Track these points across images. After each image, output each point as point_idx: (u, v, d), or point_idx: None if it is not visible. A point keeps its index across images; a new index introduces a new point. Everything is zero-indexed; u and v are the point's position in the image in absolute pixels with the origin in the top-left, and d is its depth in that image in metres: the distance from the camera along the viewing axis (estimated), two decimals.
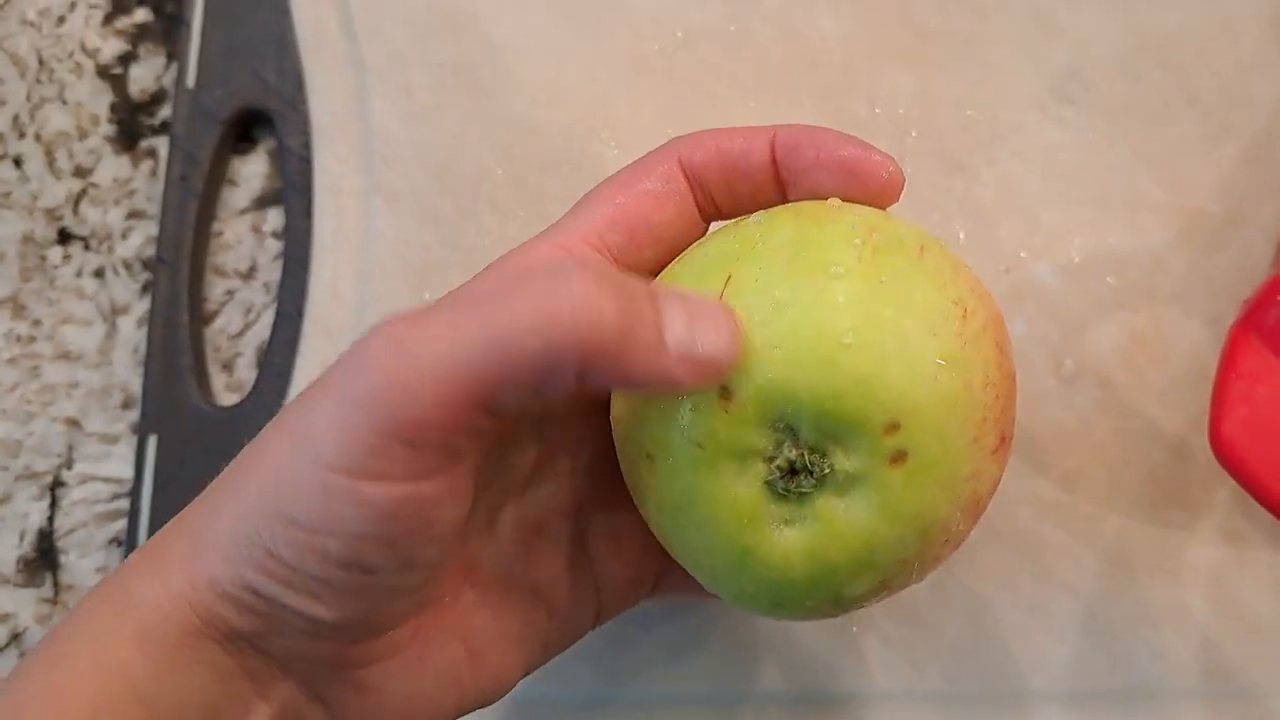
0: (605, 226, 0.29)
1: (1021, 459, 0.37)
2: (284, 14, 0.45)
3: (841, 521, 0.25)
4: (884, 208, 0.29)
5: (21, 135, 0.47)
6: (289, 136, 0.44)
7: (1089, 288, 0.38)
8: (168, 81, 0.47)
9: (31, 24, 0.48)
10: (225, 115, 0.44)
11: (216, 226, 0.45)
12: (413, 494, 0.24)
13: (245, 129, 0.45)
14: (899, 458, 0.25)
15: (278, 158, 0.44)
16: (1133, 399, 0.37)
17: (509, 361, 0.23)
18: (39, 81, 0.47)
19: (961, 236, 0.39)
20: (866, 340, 0.24)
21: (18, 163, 0.46)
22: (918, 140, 0.40)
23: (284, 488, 0.24)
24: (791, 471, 0.25)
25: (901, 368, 0.24)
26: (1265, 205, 0.38)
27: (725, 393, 0.25)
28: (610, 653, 0.38)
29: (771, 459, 0.25)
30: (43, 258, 0.45)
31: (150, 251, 0.45)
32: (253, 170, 0.45)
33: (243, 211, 0.45)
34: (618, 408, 0.28)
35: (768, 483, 0.25)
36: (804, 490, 0.25)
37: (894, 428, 0.24)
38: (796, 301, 0.25)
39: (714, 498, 0.25)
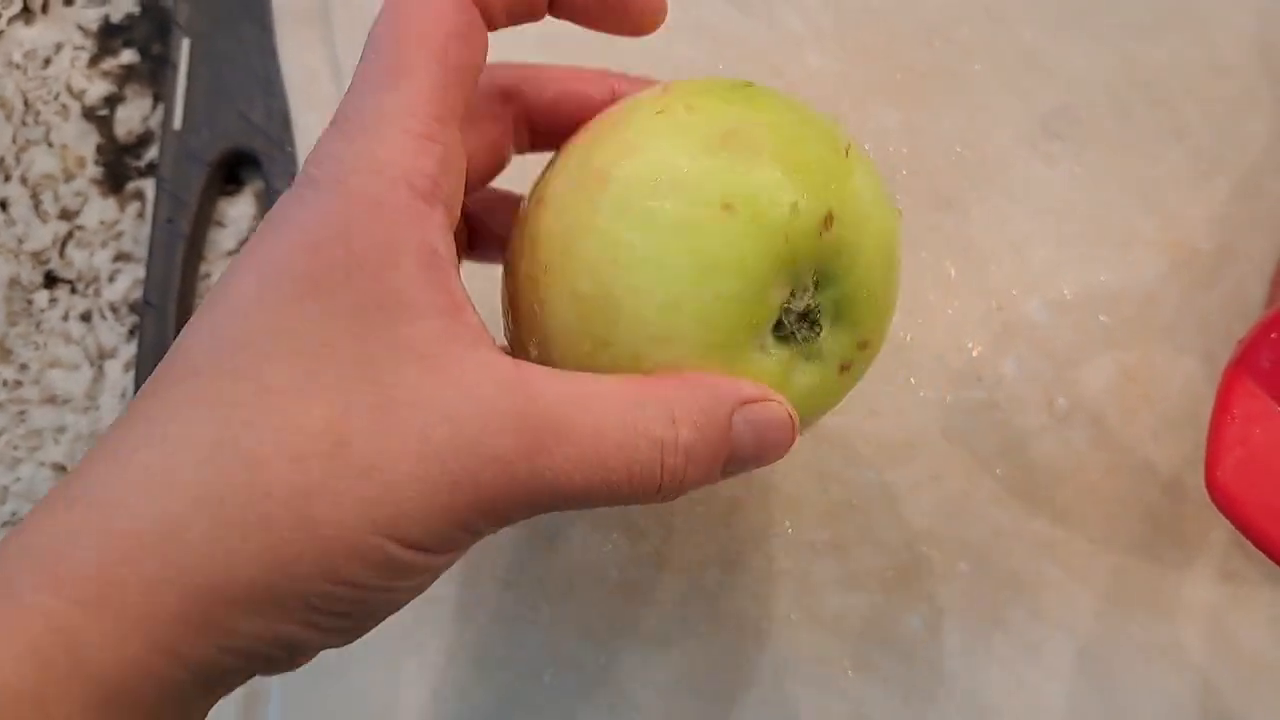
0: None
1: (1015, 496, 0.37)
2: (270, 55, 0.45)
3: None
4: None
5: (7, 178, 0.47)
6: (276, 178, 0.44)
7: (1081, 324, 0.38)
8: (154, 123, 0.47)
9: (17, 66, 0.48)
10: (212, 157, 0.44)
11: (204, 269, 0.44)
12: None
13: (232, 171, 0.45)
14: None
15: (265, 199, 0.44)
16: (1126, 436, 0.37)
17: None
18: (24, 124, 0.47)
19: (952, 273, 0.39)
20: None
21: (3, 206, 0.46)
22: (907, 178, 0.40)
23: (338, 554, 0.22)
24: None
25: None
26: (1257, 241, 0.38)
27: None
28: (601, 690, 0.37)
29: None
30: (29, 301, 0.45)
31: (137, 294, 0.44)
32: (240, 212, 0.45)
33: (230, 253, 0.45)
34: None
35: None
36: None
37: None
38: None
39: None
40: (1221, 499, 0.30)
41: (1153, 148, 0.40)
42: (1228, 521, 0.32)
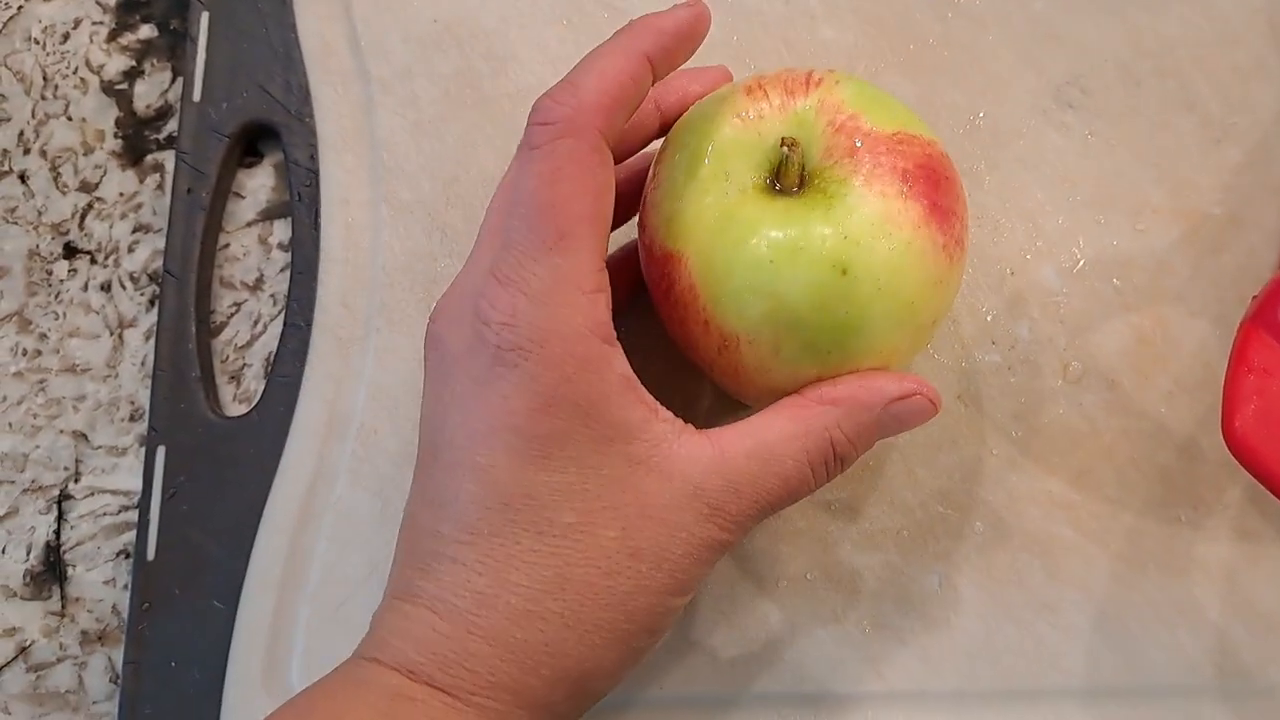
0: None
1: (1030, 459, 0.38)
2: (289, 28, 0.45)
3: None
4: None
5: (27, 151, 0.47)
6: (295, 149, 0.44)
7: (1094, 290, 0.39)
8: (173, 96, 0.47)
9: (36, 41, 0.48)
10: (231, 129, 0.44)
11: (223, 239, 0.45)
12: None
13: (251, 142, 0.45)
14: None
15: (284, 170, 0.45)
16: (1140, 399, 0.38)
17: None
18: (44, 98, 0.48)
19: (967, 240, 0.39)
20: None
21: (23, 178, 0.47)
22: None
23: (649, 629, 0.32)
24: None
25: None
26: (1267, 208, 0.39)
27: None
28: None
29: None
30: (49, 272, 0.45)
31: (156, 265, 0.45)
32: (259, 183, 0.45)
33: (249, 224, 0.45)
34: None
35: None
36: None
37: None
38: None
39: None
40: (1239, 450, 0.30)
41: (1164, 116, 0.40)
42: (1243, 479, 0.32)
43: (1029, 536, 0.37)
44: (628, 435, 0.30)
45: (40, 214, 0.46)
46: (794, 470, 0.31)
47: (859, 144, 0.31)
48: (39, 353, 0.44)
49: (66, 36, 0.48)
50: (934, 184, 0.31)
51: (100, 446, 0.43)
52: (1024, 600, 0.37)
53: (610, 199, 0.30)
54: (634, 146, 0.35)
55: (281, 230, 0.45)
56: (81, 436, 0.43)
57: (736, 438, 0.31)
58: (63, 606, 0.42)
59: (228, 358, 0.44)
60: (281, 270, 0.44)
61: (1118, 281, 0.39)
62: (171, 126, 0.47)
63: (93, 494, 0.43)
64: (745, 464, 0.31)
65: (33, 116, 0.47)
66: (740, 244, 0.30)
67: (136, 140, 0.47)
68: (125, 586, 0.41)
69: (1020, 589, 0.37)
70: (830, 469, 0.32)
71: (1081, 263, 0.39)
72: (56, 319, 0.45)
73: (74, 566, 0.42)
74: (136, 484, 0.42)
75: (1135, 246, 0.39)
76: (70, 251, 0.45)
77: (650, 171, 0.34)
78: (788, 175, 0.31)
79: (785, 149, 0.31)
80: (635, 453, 0.30)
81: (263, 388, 0.42)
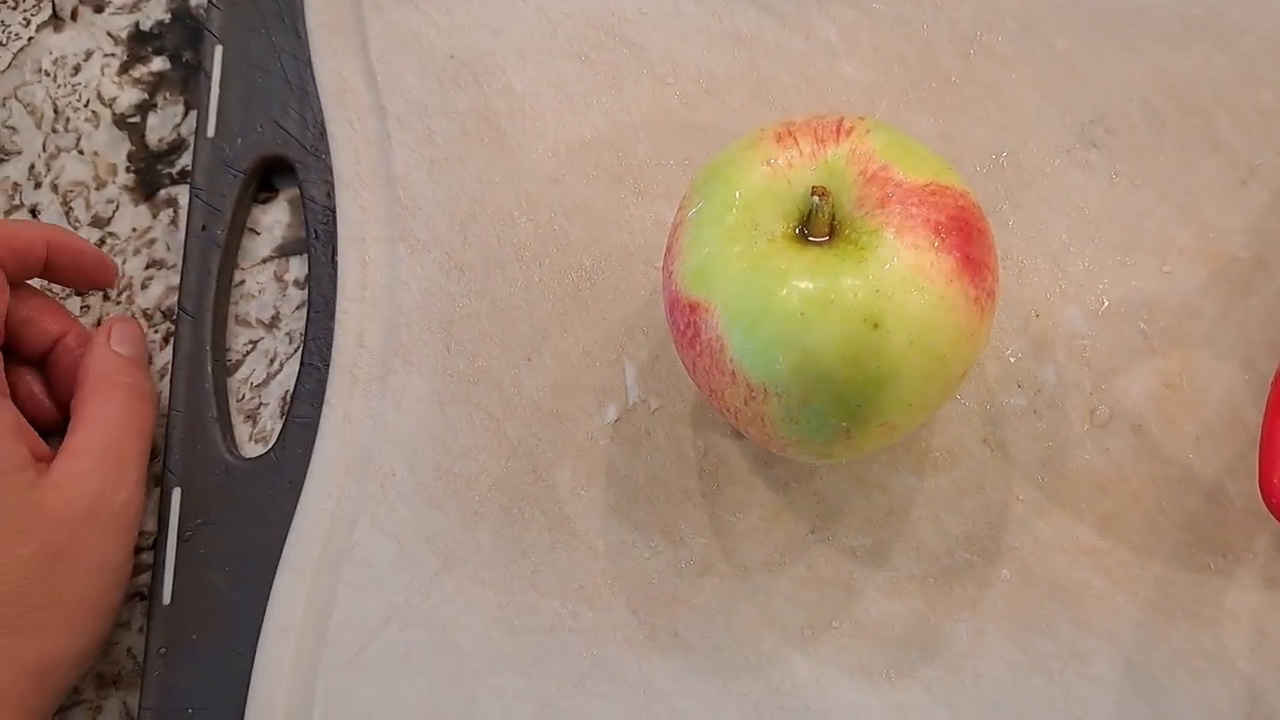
0: None
1: (1057, 505, 0.37)
2: (304, 63, 0.45)
3: None
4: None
5: (38, 185, 0.46)
6: (311, 185, 0.44)
7: (1120, 333, 0.38)
8: (186, 130, 0.47)
9: (47, 73, 0.48)
10: (246, 165, 0.44)
11: (238, 275, 0.44)
12: None
13: (266, 177, 0.45)
14: None
15: (300, 206, 0.44)
16: (1167, 445, 0.37)
17: None
18: (55, 131, 0.47)
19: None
20: None
21: (34, 213, 0.46)
22: None
23: None
24: None
25: None
26: None
27: None
28: (641, 697, 0.37)
29: None
30: None
31: (170, 301, 0.44)
32: (274, 219, 0.45)
33: (265, 260, 0.45)
34: None
35: None
36: None
37: None
38: None
39: None
40: (1278, 504, 0.30)
41: (1188, 156, 0.40)
42: (1273, 523, 0.32)
43: (1056, 584, 0.37)
44: (22, 465, 0.37)
45: None
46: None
47: (891, 194, 0.31)
48: None
49: (78, 69, 0.48)
50: (966, 236, 0.30)
51: None
52: (1052, 649, 0.36)
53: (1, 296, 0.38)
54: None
55: (297, 267, 0.44)
56: None
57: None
58: None
59: (244, 396, 0.43)
60: (298, 308, 0.44)
61: (1144, 324, 0.38)
62: (185, 160, 0.46)
63: None
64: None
65: (44, 150, 0.47)
66: (769, 295, 0.30)
67: (149, 174, 0.46)
68: (140, 630, 0.41)
69: (1048, 638, 0.36)
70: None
71: (1107, 305, 0.39)
72: None
73: None
74: (151, 526, 0.41)
75: (1161, 288, 0.39)
76: None
77: (675, 218, 0.34)
78: (818, 224, 0.31)
79: (816, 198, 0.30)
80: (30, 477, 0.37)
81: (279, 427, 0.42)
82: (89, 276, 0.42)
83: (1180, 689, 0.36)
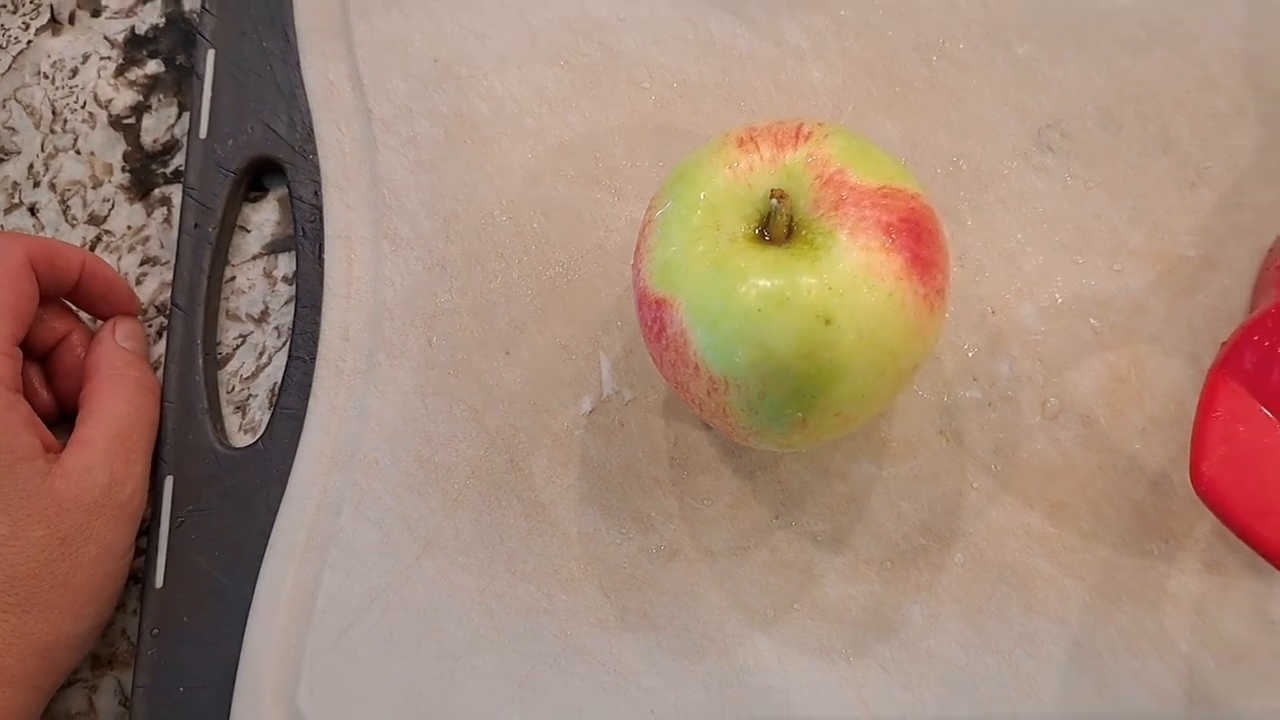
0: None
1: (1009, 493, 0.39)
2: (293, 67, 0.46)
3: None
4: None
5: (37, 184, 0.48)
6: (299, 185, 0.45)
7: (1072, 329, 0.40)
8: (179, 131, 0.48)
9: (45, 75, 0.50)
10: (237, 165, 0.45)
11: (229, 272, 0.46)
12: None
13: (256, 177, 0.47)
14: None
15: (288, 205, 0.46)
16: (1115, 436, 0.39)
17: None
18: (53, 131, 0.49)
19: (950, 279, 0.41)
20: None
21: (33, 211, 0.48)
22: None
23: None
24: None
25: None
26: (1241, 250, 0.40)
27: None
28: (613, 676, 0.39)
29: None
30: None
31: (164, 297, 0.46)
32: (264, 217, 0.47)
33: (254, 257, 0.46)
34: None
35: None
36: None
37: None
38: None
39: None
40: (1207, 494, 0.32)
41: (1141, 159, 0.41)
42: (1212, 515, 0.33)
43: (1007, 568, 0.38)
44: (34, 454, 0.39)
45: None
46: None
47: (845, 197, 0.32)
48: None
49: (75, 71, 0.49)
50: (916, 237, 0.32)
51: None
52: (1002, 630, 0.38)
53: (29, 303, 0.40)
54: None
55: (286, 263, 0.46)
56: None
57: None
58: None
59: (234, 388, 0.45)
60: (286, 303, 0.45)
61: (1094, 321, 0.40)
62: (178, 160, 0.48)
63: None
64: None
65: (42, 150, 0.49)
66: (730, 292, 0.32)
67: (144, 174, 0.48)
68: (134, 612, 0.43)
69: (999, 619, 0.38)
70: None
71: (1059, 302, 0.40)
72: None
73: None
74: (145, 512, 0.43)
75: (1112, 287, 0.40)
76: None
77: (645, 218, 0.35)
78: (776, 226, 0.32)
79: (774, 201, 0.32)
80: (43, 466, 0.39)
81: (268, 418, 0.43)
82: (115, 306, 0.45)
83: (1123, 668, 0.37)
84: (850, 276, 0.31)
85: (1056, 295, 0.40)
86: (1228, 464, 0.32)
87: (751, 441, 0.36)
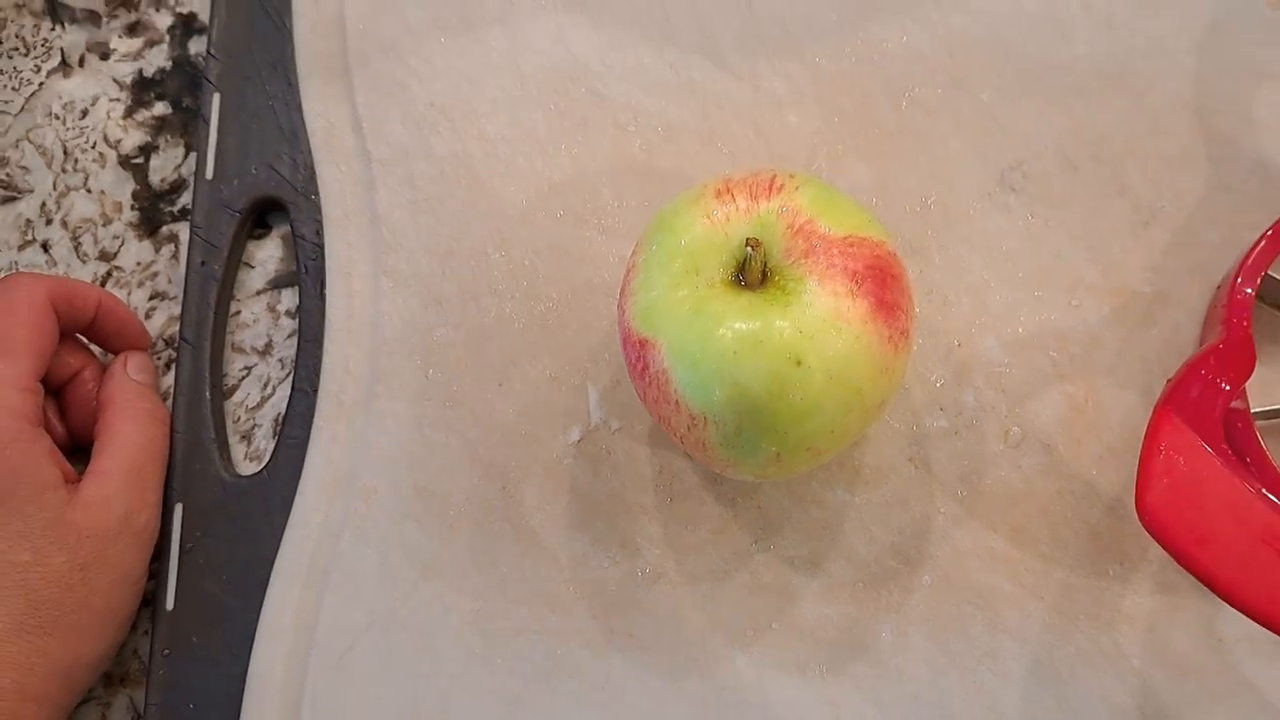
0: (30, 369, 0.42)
1: (974, 517, 0.41)
2: (295, 109, 0.48)
3: None
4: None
5: (49, 222, 0.50)
6: (302, 224, 0.47)
7: (1033, 361, 0.42)
8: (186, 170, 0.50)
9: (57, 117, 0.52)
10: (242, 205, 0.48)
11: (235, 306, 0.48)
12: None
13: (261, 216, 0.49)
14: None
15: (291, 243, 0.48)
16: (1073, 462, 0.41)
17: None
18: (65, 171, 0.51)
19: (917, 314, 0.43)
20: None
21: (46, 248, 0.50)
22: None
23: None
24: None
25: None
26: (1192, 286, 0.43)
27: None
28: (600, 695, 0.41)
29: None
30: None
31: (172, 330, 0.48)
32: (268, 254, 0.49)
33: (259, 292, 0.48)
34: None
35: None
36: None
37: None
38: None
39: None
40: (1150, 524, 0.34)
41: (1098, 201, 0.44)
42: None
43: (972, 589, 0.41)
44: (56, 485, 0.41)
45: None
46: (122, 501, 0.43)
47: (815, 246, 0.34)
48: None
49: (85, 112, 0.52)
50: (881, 283, 0.34)
51: None
52: (967, 648, 0.40)
53: (50, 338, 0.43)
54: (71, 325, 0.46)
55: (289, 298, 0.48)
56: None
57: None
58: None
59: (239, 418, 0.47)
60: (289, 336, 0.48)
61: (1054, 354, 0.42)
62: (185, 199, 0.50)
63: None
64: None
65: (54, 189, 0.51)
66: (708, 335, 0.34)
67: (152, 212, 0.50)
68: (146, 633, 0.45)
69: (964, 638, 0.40)
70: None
71: (1022, 335, 0.43)
72: None
73: None
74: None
75: (1070, 321, 0.43)
76: None
77: (629, 263, 0.38)
78: (751, 272, 0.35)
79: (750, 249, 0.34)
80: (64, 496, 0.41)
81: (272, 448, 0.45)
82: (128, 341, 0.47)
83: (1081, 684, 0.40)
84: (819, 320, 0.33)
85: (1019, 329, 0.43)
86: (1170, 495, 0.34)
87: (729, 472, 0.38)
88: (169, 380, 0.47)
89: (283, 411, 0.46)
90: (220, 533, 0.44)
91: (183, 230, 0.50)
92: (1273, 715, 0.39)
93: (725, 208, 0.36)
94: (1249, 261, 0.39)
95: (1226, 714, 0.39)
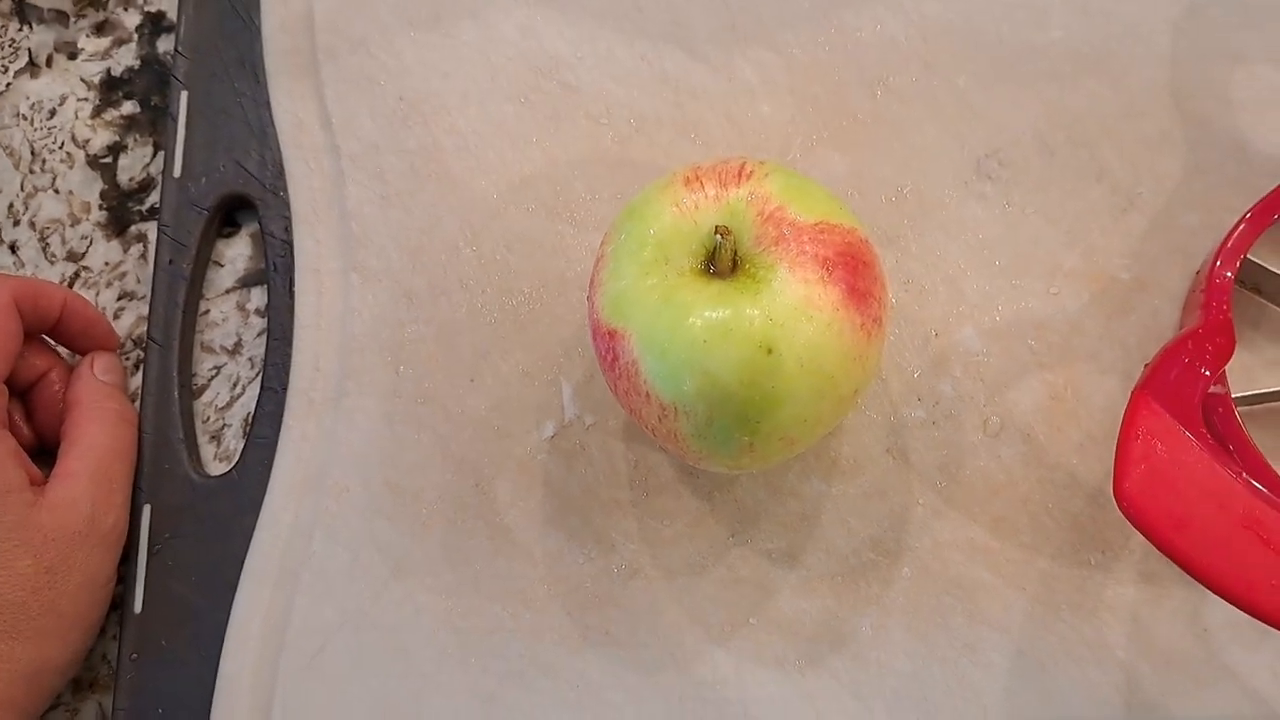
0: None
1: (953, 508, 0.41)
2: (264, 106, 0.48)
3: None
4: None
5: (16, 223, 0.50)
6: (270, 221, 0.47)
7: (1011, 350, 0.42)
8: (154, 169, 0.50)
9: (24, 117, 0.51)
10: (210, 203, 0.47)
11: (203, 305, 0.48)
12: None
13: (229, 214, 0.48)
14: None
15: (260, 241, 0.48)
16: (1053, 452, 0.41)
17: None
18: (32, 171, 0.50)
19: (894, 303, 0.43)
20: None
21: (13, 249, 0.49)
22: None
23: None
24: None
25: None
26: (1170, 272, 0.42)
27: None
28: (576, 692, 0.40)
29: None
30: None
31: (141, 330, 0.48)
32: (237, 252, 0.48)
33: (228, 291, 0.48)
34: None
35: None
36: None
37: None
38: None
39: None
40: (1128, 510, 0.33)
41: (1075, 186, 0.43)
42: None
43: (952, 581, 0.40)
44: (21, 487, 0.40)
45: None
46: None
47: (785, 233, 0.34)
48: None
49: (53, 112, 0.51)
50: (852, 269, 0.34)
51: None
52: (947, 640, 0.40)
53: (14, 342, 0.42)
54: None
55: (258, 296, 0.48)
56: None
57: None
58: None
59: (208, 418, 0.46)
60: (258, 335, 0.47)
61: (1033, 342, 0.42)
62: (153, 198, 0.49)
63: None
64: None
65: (22, 189, 0.50)
66: (678, 324, 0.33)
67: (120, 212, 0.49)
68: (114, 637, 0.44)
69: (944, 630, 0.40)
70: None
71: (1000, 323, 0.42)
72: None
73: None
74: None
75: (1049, 309, 0.42)
76: None
77: (598, 253, 0.37)
78: (721, 260, 0.34)
79: (719, 237, 0.34)
80: (29, 498, 0.40)
81: (241, 447, 0.45)
82: (95, 342, 0.46)
83: (1064, 675, 0.39)
84: (790, 308, 0.33)
85: (997, 317, 0.42)
86: (1147, 481, 0.33)
87: (703, 464, 0.37)
88: (137, 380, 0.47)
89: (252, 411, 0.45)
90: (189, 534, 0.44)
91: (151, 230, 0.49)
92: (1257, 702, 0.38)
93: (694, 196, 0.35)
94: (1228, 245, 0.39)
95: (1211, 702, 0.38)
